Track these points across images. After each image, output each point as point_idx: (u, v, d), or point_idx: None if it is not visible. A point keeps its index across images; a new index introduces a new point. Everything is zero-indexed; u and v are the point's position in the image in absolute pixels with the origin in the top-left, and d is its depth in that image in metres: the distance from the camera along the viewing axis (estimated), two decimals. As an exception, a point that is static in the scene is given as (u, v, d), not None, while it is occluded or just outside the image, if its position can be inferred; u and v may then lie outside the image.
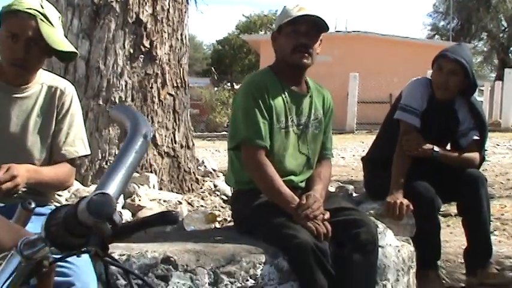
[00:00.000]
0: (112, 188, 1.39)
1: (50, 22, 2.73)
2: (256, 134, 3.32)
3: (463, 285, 4.56)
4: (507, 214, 6.89)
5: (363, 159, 4.89)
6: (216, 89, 31.65)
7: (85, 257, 1.47)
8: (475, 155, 4.44)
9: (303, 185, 3.54)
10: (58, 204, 2.94)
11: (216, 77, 40.11)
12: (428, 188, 4.19)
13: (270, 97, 3.38)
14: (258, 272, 3.08)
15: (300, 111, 3.50)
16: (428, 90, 4.38)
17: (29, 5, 2.73)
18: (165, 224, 1.41)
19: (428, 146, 4.31)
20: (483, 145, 4.55)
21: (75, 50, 2.83)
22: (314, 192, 3.37)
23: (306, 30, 3.38)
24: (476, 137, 4.44)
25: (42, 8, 2.74)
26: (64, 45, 2.77)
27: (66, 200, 3.10)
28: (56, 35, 2.75)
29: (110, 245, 1.40)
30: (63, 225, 1.34)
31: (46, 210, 2.87)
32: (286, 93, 3.46)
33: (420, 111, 4.32)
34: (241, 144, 3.40)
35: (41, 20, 2.71)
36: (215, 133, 23.10)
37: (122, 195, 4.79)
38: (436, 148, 4.31)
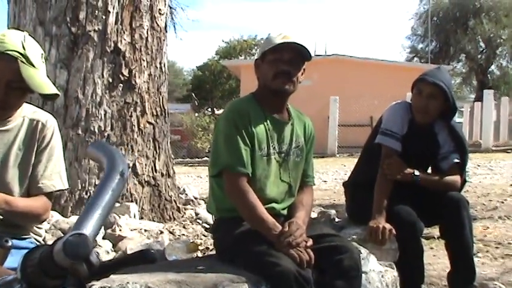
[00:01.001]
0: (88, 228, 1.37)
1: (31, 63, 2.70)
2: (238, 161, 3.31)
3: (448, 308, 4.55)
4: (490, 236, 6.89)
5: (344, 184, 4.89)
6: (196, 114, 31.66)
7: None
8: (456, 178, 4.45)
9: (285, 212, 3.53)
10: (37, 237, 2.91)
11: (196, 103, 40.16)
12: (410, 212, 4.19)
13: (252, 124, 3.37)
14: (241, 301, 3.06)
15: (281, 138, 3.49)
16: (409, 114, 4.39)
17: (10, 45, 2.69)
18: (143, 263, 1.39)
19: (408, 170, 4.32)
20: (464, 168, 4.56)
21: (57, 92, 2.80)
22: (296, 219, 3.36)
23: (288, 58, 3.39)
24: (456, 160, 4.45)
25: (24, 48, 2.70)
26: (45, 87, 2.74)
27: (46, 231, 3.06)
28: (37, 77, 2.72)
29: (88, 283, 1.38)
30: (39, 267, 1.32)
31: (26, 243, 2.84)
32: (268, 120, 3.45)
33: (401, 135, 4.34)
34: (223, 171, 3.38)
35: (22, 62, 2.68)
36: (197, 159, 23.08)
37: (102, 226, 4.75)
38: (416, 172, 4.32)
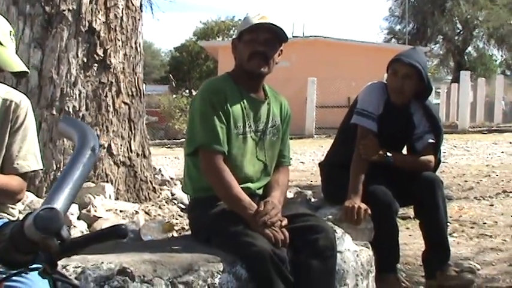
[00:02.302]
0: (59, 203, 1.37)
1: None
2: (214, 139, 3.31)
3: (423, 288, 4.59)
4: (465, 216, 6.97)
5: (320, 164, 4.91)
6: (174, 96, 31.54)
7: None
8: (430, 158, 4.48)
9: (260, 192, 3.54)
10: (11, 218, 2.90)
11: (174, 84, 40.06)
12: (386, 192, 4.22)
13: (228, 103, 3.38)
14: (216, 281, 3.07)
15: (257, 117, 3.50)
16: (384, 95, 4.41)
17: None
18: (115, 239, 1.40)
19: (381, 151, 4.34)
20: (438, 148, 4.60)
21: (26, 69, 2.77)
22: (272, 199, 3.37)
23: (264, 38, 3.39)
24: (431, 140, 4.48)
25: None
26: (14, 65, 2.72)
27: (20, 212, 3.03)
28: (5, 55, 2.69)
29: (60, 260, 1.37)
30: (10, 242, 1.32)
31: (-2, 224, 2.83)
32: (244, 99, 3.46)
33: (376, 115, 4.35)
34: (198, 149, 3.38)
35: None
36: (174, 140, 23.04)
37: (77, 206, 4.74)
38: (388, 153, 4.35)
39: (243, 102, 3.45)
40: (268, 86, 3.67)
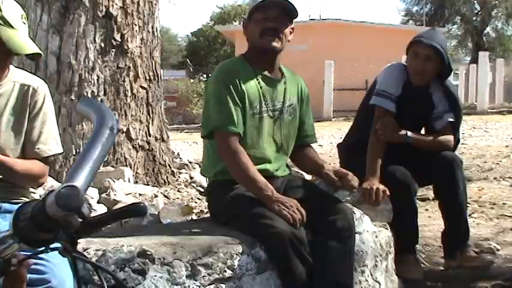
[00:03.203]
0: (80, 181, 1.39)
1: (9, 24, 2.69)
2: (229, 121, 3.32)
3: (442, 268, 4.59)
4: (485, 197, 6.94)
5: (338, 145, 4.91)
6: (191, 80, 31.56)
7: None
8: (450, 138, 4.47)
9: (278, 173, 3.55)
10: (32, 202, 2.92)
11: (191, 69, 40.05)
12: (405, 173, 4.21)
13: (242, 83, 3.38)
14: (236, 262, 3.08)
15: (274, 96, 3.50)
16: (404, 76, 4.39)
17: None
18: (133, 216, 1.41)
19: (402, 131, 4.33)
20: (458, 128, 4.58)
21: (38, 51, 2.79)
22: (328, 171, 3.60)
23: (274, 15, 3.40)
24: (450, 119, 4.46)
25: (1, 10, 2.69)
26: (25, 48, 2.73)
27: (40, 196, 3.06)
28: (17, 38, 2.70)
29: (82, 240, 1.39)
30: (31, 220, 1.34)
31: (19, 208, 2.86)
32: (259, 78, 3.46)
33: (396, 96, 4.34)
34: (213, 131, 3.39)
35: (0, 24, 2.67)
36: (193, 125, 23.06)
37: (96, 190, 4.77)
38: (409, 133, 4.33)
39: (258, 82, 3.45)
40: (284, 66, 3.67)
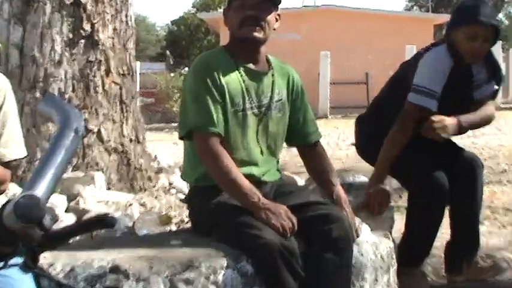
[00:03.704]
0: (40, 189, 1.38)
1: None
2: (208, 120, 3.31)
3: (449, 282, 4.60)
4: (498, 201, 6.96)
5: (359, 118, 4.80)
6: (172, 74, 31.45)
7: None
8: (492, 109, 4.42)
9: (267, 178, 3.54)
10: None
11: (171, 62, 39.95)
12: (445, 178, 4.18)
13: (222, 77, 3.38)
14: (220, 278, 3.07)
15: (260, 91, 3.49)
16: (450, 63, 4.25)
17: None
18: (102, 228, 1.42)
19: (452, 119, 4.21)
20: (496, 95, 4.50)
21: None
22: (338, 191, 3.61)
23: (255, 2, 3.39)
24: (495, 87, 4.40)
25: None
26: None
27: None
28: None
29: (48, 254, 1.39)
30: None
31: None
32: (241, 71, 3.45)
33: (440, 93, 4.20)
34: (192, 132, 3.39)
35: None
36: (173, 124, 22.97)
37: (64, 198, 4.76)
38: (462, 122, 4.22)
39: (241, 75, 3.44)
40: (273, 57, 3.67)
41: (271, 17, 3.46)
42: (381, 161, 4.25)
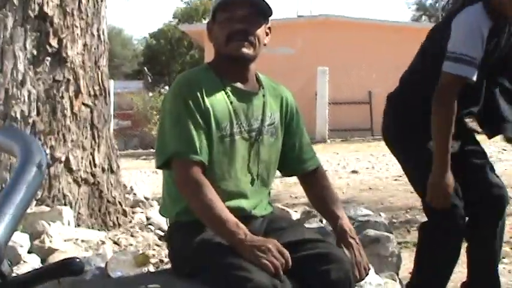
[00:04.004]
0: None
1: None
2: (189, 147, 3.27)
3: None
4: (518, 237, 6.96)
5: (388, 97, 4.65)
6: (150, 94, 31.55)
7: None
8: None
9: (258, 212, 3.52)
10: None
11: (150, 79, 40.07)
12: (462, 211, 4.13)
13: (206, 98, 3.34)
14: (203, 326, 3.07)
15: (249, 113, 3.46)
16: (488, 23, 4.08)
17: None
18: (67, 275, 1.41)
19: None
20: None
21: None
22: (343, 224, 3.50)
23: (242, 14, 3.37)
24: None
25: None
26: None
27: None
28: None
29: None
30: None
31: None
32: (228, 91, 3.43)
33: (479, 59, 4.11)
34: (171, 160, 3.36)
35: None
36: (151, 149, 23.01)
37: (27, 236, 4.74)
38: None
39: (228, 96, 3.42)
40: (264, 75, 3.66)
41: (261, 31, 3.44)
42: (437, 151, 4.10)
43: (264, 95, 3.54)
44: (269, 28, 3.51)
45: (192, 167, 3.27)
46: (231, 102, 3.41)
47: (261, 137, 3.49)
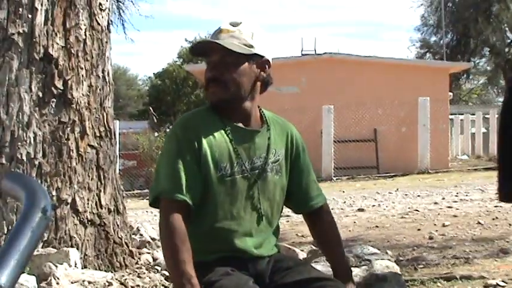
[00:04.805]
0: (3, 278, 1.38)
1: None
2: (175, 186, 3.22)
3: None
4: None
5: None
6: (156, 134, 31.54)
7: None
8: None
9: (262, 251, 3.49)
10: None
11: (155, 119, 40.09)
12: None
13: (204, 138, 3.31)
14: None
15: (251, 152, 3.42)
16: None
17: None
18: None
19: None
20: None
21: None
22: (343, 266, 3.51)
23: (214, 61, 3.38)
24: None
25: None
26: None
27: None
28: None
29: None
30: None
31: None
32: (228, 131, 3.40)
33: None
34: (159, 197, 3.34)
35: None
36: (157, 190, 22.94)
37: (34, 278, 4.73)
38: None
39: (228, 136, 3.38)
40: (269, 112, 3.61)
41: (240, 72, 3.38)
42: None
43: (268, 130, 3.51)
44: (267, 61, 3.47)
45: (174, 208, 3.21)
46: (231, 142, 3.37)
47: (264, 175, 3.45)
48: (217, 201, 3.30)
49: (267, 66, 3.46)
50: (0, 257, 1.42)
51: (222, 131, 3.36)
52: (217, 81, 3.32)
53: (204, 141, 3.28)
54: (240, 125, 3.41)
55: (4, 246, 1.45)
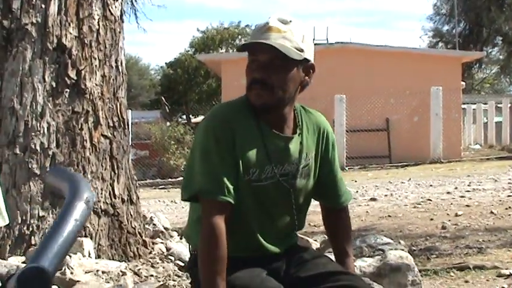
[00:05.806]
0: (48, 262, 1.39)
1: None
2: (217, 187, 3.12)
3: None
4: None
5: None
6: (168, 123, 31.55)
7: None
8: None
9: (278, 250, 3.44)
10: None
11: (167, 109, 40.09)
12: None
13: (237, 138, 3.19)
14: None
15: (283, 158, 3.29)
16: None
17: None
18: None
19: None
20: None
21: None
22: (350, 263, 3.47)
23: (262, 61, 3.20)
24: None
25: None
26: None
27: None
28: None
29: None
30: None
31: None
32: (263, 136, 3.24)
33: None
34: (198, 195, 3.26)
35: None
36: (170, 179, 22.98)
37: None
38: None
39: (261, 139, 3.25)
40: (301, 106, 3.48)
41: (286, 77, 3.21)
42: None
43: (300, 135, 3.39)
44: (312, 66, 3.33)
45: (217, 210, 3.12)
46: (264, 146, 3.23)
47: (293, 181, 3.34)
48: (242, 203, 3.20)
49: (311, 71, 3.35)
50: (44, 243, 1.44)
51: (258, 135, 3.21)
52: (264, 83, 3.16)
53: (238, 141, 3.17)
54: (276, 131, 3.27)
55: (49, 232, 1.47)
